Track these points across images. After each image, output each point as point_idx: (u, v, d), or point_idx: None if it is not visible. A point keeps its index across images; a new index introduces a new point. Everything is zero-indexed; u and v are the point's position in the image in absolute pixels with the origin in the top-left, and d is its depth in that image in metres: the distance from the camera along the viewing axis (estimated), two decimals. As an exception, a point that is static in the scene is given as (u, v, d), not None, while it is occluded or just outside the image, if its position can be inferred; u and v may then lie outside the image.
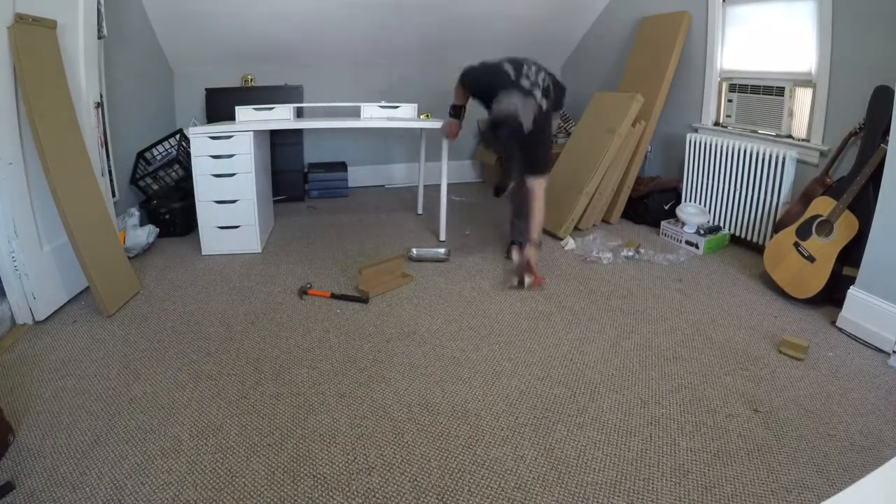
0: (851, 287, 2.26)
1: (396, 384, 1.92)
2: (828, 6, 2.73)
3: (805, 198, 2.76)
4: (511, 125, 2.51)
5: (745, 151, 3.15)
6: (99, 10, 2.80)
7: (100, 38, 2.83)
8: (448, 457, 1.57)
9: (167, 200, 3.45)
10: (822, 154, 2.86)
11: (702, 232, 3.27)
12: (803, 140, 2.99)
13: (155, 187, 3.60)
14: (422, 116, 3.64)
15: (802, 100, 3.00)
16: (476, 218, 3.98)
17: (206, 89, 4.13)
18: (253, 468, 1.51)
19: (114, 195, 3.12)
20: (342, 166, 4.64)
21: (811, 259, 2.48)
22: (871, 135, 2.44)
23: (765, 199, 3.08)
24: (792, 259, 2.56)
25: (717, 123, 3.58)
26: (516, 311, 2.49)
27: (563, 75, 5.35)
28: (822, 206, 2.50)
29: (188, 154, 3.33)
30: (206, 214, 3.07)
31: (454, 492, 1.44)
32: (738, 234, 3.30)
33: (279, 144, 4.13)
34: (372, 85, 4.61)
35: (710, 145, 3.37)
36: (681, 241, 3.36)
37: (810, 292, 2.45)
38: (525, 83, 2.61)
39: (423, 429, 1.69)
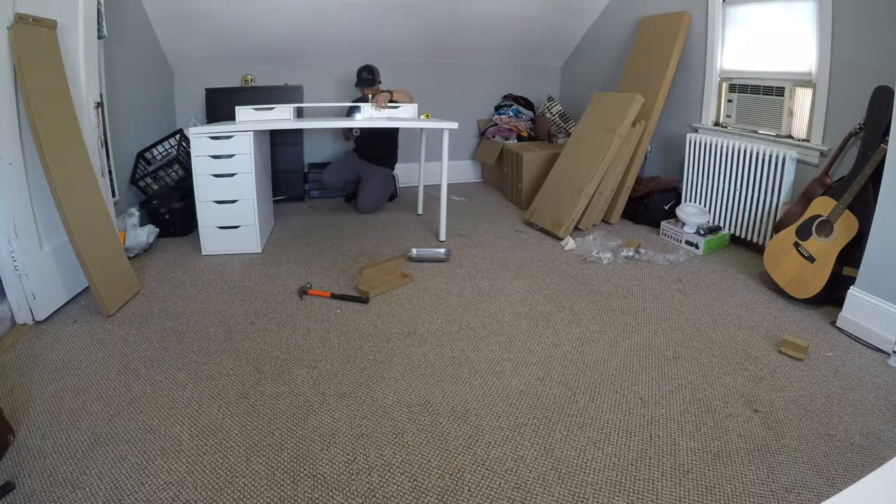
0: (851, 287, 2.26)
1: (396, 384, 1.92)
2: (828, 6, 2.73)
3: (805, 198, 2.76)
4: None
5: (744, 151, 3.15)
6: (99, 10, 2.80)
7: (100, 38, 2.83)
8: (448, 457, 1.57)
9: (167, 200, 3.44)
10: (822, 154, 2.86)
11: (702, 232, 3.27)
12: (803, 140, 3.00)
13: (155, 187, 3.60)
14: (422, 116, 3.64)
15: (802, 100, 3.00)
16: (476, 218, 3.98)
17: (206, 89, 4.14)
18: (253, 468, 1.51)
19: (114, 195, 3.12)
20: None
21: (811, 259, 2.48)
22: (871, 135, 2.44)
23: (765, 199, 3.08)
24: (792, 259, 2.56)
25: (717, 123, 3.58)
26: (516, 311, 2.49)
27: (563, 75, 5.38)
28: (822, 206, 2.50)
29: (188, 154, 3.33)
30: (206, 214, 3.07)
31: (454, 492, 1.44)
32: (738, 234, 3.30)
33: (279, 144, 4.13)
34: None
35: (710, 145, 3.37)
36: (681, 241, 3.36)
37: (810, 292, 2.45)
38: None
39: (423, 429, 1.69)
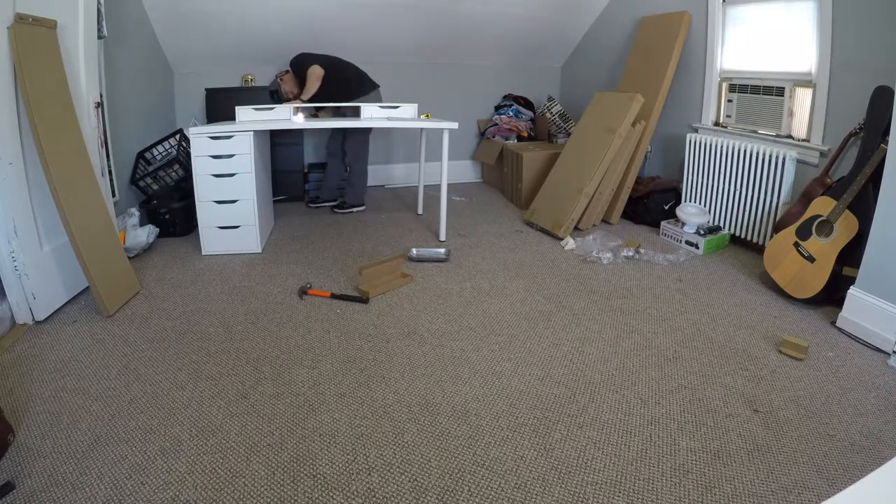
0: (851, 287, 2.26)
1: (396, 384, 1.92)
2: (828, 6, 2.74)
3: (805, 198, 2.76)
4: None
5: (745, 151, 3.15)
6: (99, 10, 2.80)
7: (100, 38, 2.83)
8: (448, 457, 1.57)
9: (167, 200, 3.44)
10: (822, 154, 2.86)
11: (702, 232, 3.27)
12: (803, 140, 3.00)
13: (155, 187, 3.60)
14: (422, 116, 3.64)
15: (802, 100, 3.01)
16: (476, 218, 3.98)
17: (206, 89, 4.13)
18: (253, 468, 1.51)
19: (114, 195, 3.12)
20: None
21: (811, 259, 2.48)
22: (871, 135, 2.44)
23: (765, 199, 3.08)
24: (792, 259, 2.56)
25: (717, 123, 3.58)
26: (516, 311, 2.49)
27: (563, 75, 5.38)
28: (822, 206, 2.50)
29: (188, 154, 3.33)
30: (206, 214, 3.07)
31: (454, 492, 1.44)
32: (738, 234, 3.30)
33: (279, 144, 4.13)
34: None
35: (710, 145, 3.37)
36: (681, 241, 3.36)
37: (810, 292, 2.45)
38: None
39: (423, 429, 1.69)
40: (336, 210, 4.12)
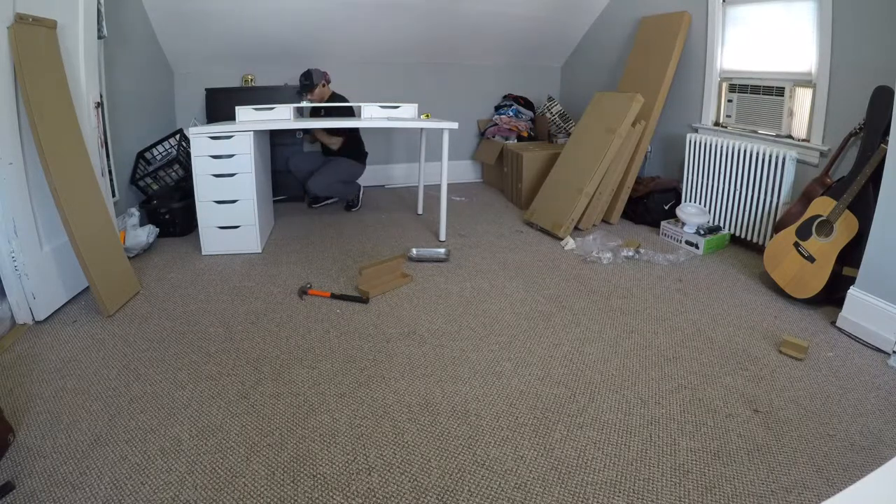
0: (851, 287, 2.26)
1: (396, 384, 1.92)
2: (828, 6, 2.74)
3: (805, 198, 2.76)
4: None
5: (745, 151, 3.15)
6: (99, 10, 2.80)
7: (100, 38, 2.84)
8: (448, 457, 1.57)
9: (167, 200, 3.44)
10: (822, 154, 2.86)
11: (702, 232, 3.27)
12: (803, 140, 3.00)
13: (155, 187, 3.60)
14: (422, 116, 3.64)
15: (802, 100, 3.01)
16: (476, 218, 3.98)
17: (206, 89, 4.14)
18: (253, 468, 1.51)
19: (114, 195, 3.12)
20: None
21: (811, 259, 2.48)
22: (871, 135, 2.44)
23: (765, 199, 3.08)
24: (792, 259, 2.56)
25: (717, 123, 3.58)
26: (516, 311, 2.49)
27: (563, 75, 5.38)
28: (822, 206, 2.50)
29: (188, 154, 3.33)
30: (206, 214, 3.07)
31: (454, 492, 1.44)
32: (738, 234, 3.30)
33: (279, 144, 4.13)
34: (372, 84, 4.62)
35: (710, 145, 3.37)
36: (681, 241, 3.36)
37: (810, 292, 2.45)
38: None
39: (423, 429, 1.69)
40: (352, 208, 4.16)
